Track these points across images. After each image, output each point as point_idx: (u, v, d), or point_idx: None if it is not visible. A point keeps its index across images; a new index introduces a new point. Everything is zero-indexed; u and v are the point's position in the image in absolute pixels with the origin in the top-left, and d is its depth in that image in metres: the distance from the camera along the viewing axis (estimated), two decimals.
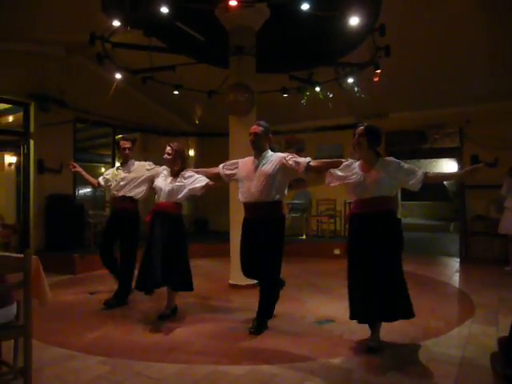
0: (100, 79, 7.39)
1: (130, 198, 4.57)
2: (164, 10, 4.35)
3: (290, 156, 3.62)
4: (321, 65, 6.59)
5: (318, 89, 6.90)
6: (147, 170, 4.57)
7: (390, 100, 7.99)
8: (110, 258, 4.69)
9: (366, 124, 3.32)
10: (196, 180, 3.98)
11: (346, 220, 3.70)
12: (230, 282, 5.51)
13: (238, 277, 5.07)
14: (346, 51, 6.44)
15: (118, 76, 6.14)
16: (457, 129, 8.05)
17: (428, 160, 14.12)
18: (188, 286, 4.07)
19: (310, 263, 7.38)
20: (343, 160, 3.42)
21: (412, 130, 8.29)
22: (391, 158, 3.27)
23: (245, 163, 3.84)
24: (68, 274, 6.44)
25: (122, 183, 4.58)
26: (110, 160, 9.03)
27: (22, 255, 2.35)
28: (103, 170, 10.95)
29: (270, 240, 3.63)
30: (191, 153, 11.05)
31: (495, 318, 4.00)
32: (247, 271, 3.83)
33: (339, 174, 3.34)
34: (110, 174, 4.82)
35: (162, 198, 4.01)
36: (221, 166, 3.96)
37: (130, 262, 4.60)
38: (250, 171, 3.73)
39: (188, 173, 4.03)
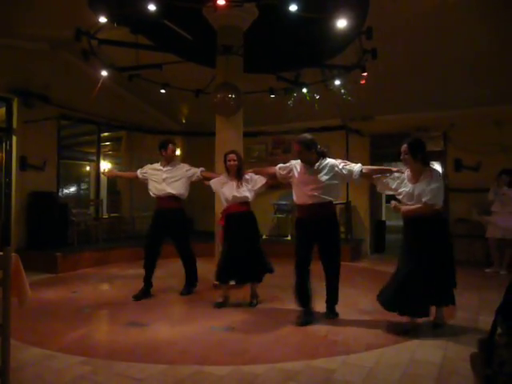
0: (85, 76, 7.29)
1: (175, 196, 4.92)
2: (151, 7, 4.31)
3: (342, 164, 3.93)
4: (308, 66, 6.61)
5: (304, 90, 6.92)
6: (186, 170, 5.05)
7: (375, 103, 8.06)
8: (154, 257, 4.91)
9: (409, 140, 3.60)
10: (256, 181, 4.51)
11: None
12: (215, 282, 5.46)
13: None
14: (334, 53, 6.47)
15: (104, 73, 6.05)
16: (441, 133, 8.16)
17: None
18: (271, 270, 4.46)
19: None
20: (393, 168, 3.79)
21: (397, 132, 8.36)
22: (433, 169, 3.59)
23: (297, 168, 4.06)
24: (50, 272, 6.35)
25: (165, 183, 4.91)
26: (94, 158, 8.89)
27: (1, 253, 2.30)
28: (88, 168, 10.81)
29: (330, 235, 3.97)
30: (177, 152, 10.98)
31: (476, 319, 4.07)
32: (303, 263, 4.00)
33: (391, 186, 3.73)
34: (150, 172, 5.07)
35: (233, 203, 4.46)
36: (277, 167, 4.26)
37: (191, 255, 5.11)
38: (303, 176, 3.97)
39: (247, 175, 4.53)
